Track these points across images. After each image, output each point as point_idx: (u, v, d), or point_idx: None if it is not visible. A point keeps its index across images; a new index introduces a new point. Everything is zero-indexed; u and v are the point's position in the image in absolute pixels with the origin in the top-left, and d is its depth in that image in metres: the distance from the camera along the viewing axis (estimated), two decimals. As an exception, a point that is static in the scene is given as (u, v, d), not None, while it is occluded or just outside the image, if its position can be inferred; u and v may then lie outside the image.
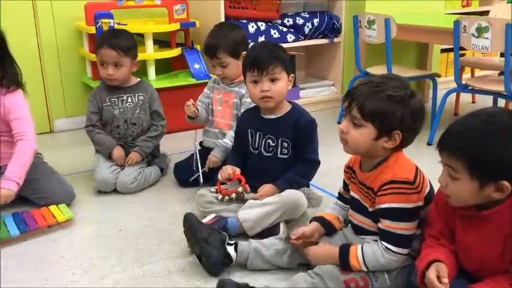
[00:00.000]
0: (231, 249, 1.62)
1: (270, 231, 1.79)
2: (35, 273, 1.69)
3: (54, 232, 1.94)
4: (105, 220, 2.04)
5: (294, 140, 1.88)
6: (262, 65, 1.83)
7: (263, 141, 1.92)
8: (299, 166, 1.90)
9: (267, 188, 1.87)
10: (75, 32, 3.06)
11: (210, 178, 2.18)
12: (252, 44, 2.22)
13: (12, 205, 2.07)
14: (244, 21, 3.16)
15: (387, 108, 1.40)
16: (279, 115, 1.92)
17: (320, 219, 1.65)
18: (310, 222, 1.67)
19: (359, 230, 1.58)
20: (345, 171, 1.64)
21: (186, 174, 2.30)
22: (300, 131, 1.87)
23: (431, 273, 1.27)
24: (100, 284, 1.62)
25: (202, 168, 2.23)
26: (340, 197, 1.70)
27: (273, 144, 1.91)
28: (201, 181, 2.20)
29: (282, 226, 1.79)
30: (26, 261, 1.75)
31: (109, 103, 2.30)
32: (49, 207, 2.02)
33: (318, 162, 1.93)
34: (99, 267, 1.72)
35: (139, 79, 2.39)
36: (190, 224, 1.67)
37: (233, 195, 1.88)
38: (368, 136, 1.43)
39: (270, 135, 1.91)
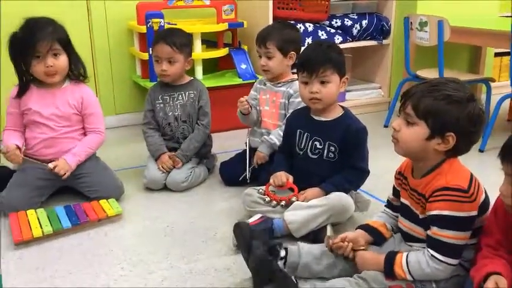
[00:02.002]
0: (280, 263, 1.57)
1: (317, 234, 1.78)
2: (86, 265, 1.74)
3: (103, 226, 1.99)
4: (152, 216, 2.08)
5: (342, 145, 1.85)
6: (312, 67, 1.82)
7: (310, 142, 1.91)
8: (347, 172, 1.86)
9: (312, 191, 1.86)
10: (126, 32, 3.13)
11: (257, 176, 2.20)
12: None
13: (64, 198, 2.16)
14: (292, 22, 3.14)
15: (442, 107, 1.36)
16: (330, 118, 1.90)
17: (366, 227, 1.62)
18: (356, 229, 1.63)
19: (408, 238, 1.54)
20: (395, 177, 1.60)
21: (231, 174, 2.33)
22: (350, 138, 1.84)
23: (491, 286, 1.22)
24: (147, 279, 1.66)
25: (250, 166, 2.25)
26: (389, 204, 1.66)
27: (320, 147, 1.89)
28: (248, 180, 2.23)
29: (329, 229, 1.77)
30: (78, 253, 1.81)
31: (161, 101, 2.35)
32: (99, 201, 2.07)
33: (367, 172, 1.90)
34: (146, 263, 1.75)
35: (191, 78, 2.43)
36: (243, 231, 1.64)
37: (283, 203, 1.87)
38: (420, 135, 1.40)
39: (317, 137, 1.89)
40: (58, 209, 2.00)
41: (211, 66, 3.27)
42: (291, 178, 1.91)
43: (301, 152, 1.93)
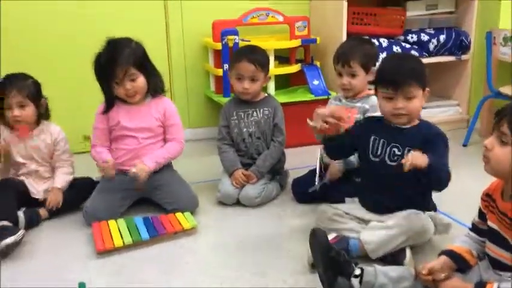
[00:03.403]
0: (355, 282, 1.55)
1: (395, 256, 1.72)
2: (164, 276, 1.78)
3: (179, 238, 2.04)
4: (226, 230, 2.11)
5: (424, 150, 1.70)
6: (397, 83, 1.75)
7: (387, 149, 1.83)
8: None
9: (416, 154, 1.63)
10: (201, 48, 3.22)
11: (330, 193, 2.17)
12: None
13: (142, 209, 2.24)
14: (366, 37, 3.10)
15: None
16: (408, 126, 1.83)
17: (450, 253, 1.54)
18: (439, 255, 1.55)
19: (497, 265, 1.45)
20: (482, 199, 1.52)
21: (304, 190, 2.31)
22: (431, 141, 1.75)
23: None
24: (222, 293, 1.67)
25: (322, 181, 2.23)
26: (474, 228, 1.58)
27: (399, 153, 1.80)
28: (317, 190, 2.21)
29: (408, 252, 1.71)
30: (156, 264, 1.86)
31: (236, 117, 2.38)
32: (175, 214, 2.13)
33: (450, 174, 1.73)
34: (221, 277, 1.77)
35: (266, 94, 2.45)
36: (320, 240, 1.62)
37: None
38: None
39: (395, 143, 1.82)
40: (137, 220, 2.07)
41: (283, 82, 3.28)
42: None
43: (377, 159, 1.85)
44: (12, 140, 2.20)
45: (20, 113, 2.15)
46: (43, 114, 2.25)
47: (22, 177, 2.23)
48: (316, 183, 2.24)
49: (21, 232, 1.90)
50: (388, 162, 1.84)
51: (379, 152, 1.86)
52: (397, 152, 1.82)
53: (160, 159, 2.21)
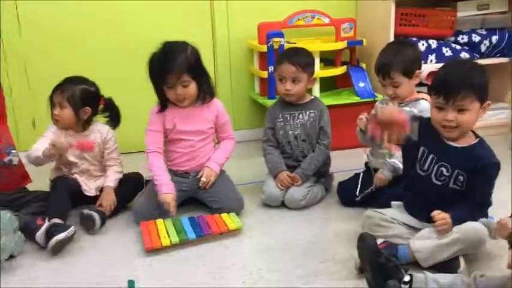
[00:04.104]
0: None
1: (446, 264, 1.67)
2: (211, 276, 1.80)
3: (224, 239, 2.05)
4: (270, 232, 2.10)
5: (470, 176, 1.70)
6: (450, 93, 1.65)
7: (435, 166, 1.76)
8: (471, 206, 1.71)
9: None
10: (246, 50, 3.23)
11: (374, 198, 2.14)
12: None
13: (187, 209, 2.27)
14: (415, 38, 3.05)
15: None
16: (462, 145, 1.75)
17: None
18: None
19: None
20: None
21: (349, 194, 2.29)
22: (481, 172, 1.69)
23: None
24: (268, 296, 1.67)
25: (367, 188, 2.20)
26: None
27: (447, 174, 1.74)
28: (360, 200, 2.20)
29: (461, 261, 1.65)
30: (202, 264, 1.88)
31: (282, 119, 2.38)
32: (221, 214, 2.14)
33: (488, 206, 1.76)
34: (267, 279, 1.77)
35: (312, 97, 2.44)
36: (369, 245, 1.60)
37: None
38: None
39: (445, 163, 1.74)
40: (183, 220, 2.10)
41: (329, 85, 3.25)
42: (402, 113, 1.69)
43: (424, 174, 1.79)
44: (67, 140, 2.28)
45: (59, 112, 2.23)
46: (85, 121, 2.29)
47: (75, 175, 2.30)
48: (358, 193, 2.22)
49: (72, 229, 1.96)
50: (434, 180, 1.77)
51: (425, 167, 1.79)
52: (444, 172, 1.75)
53: (222, 160, 2.30)
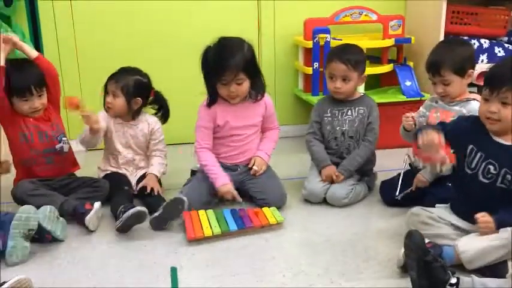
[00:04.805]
0: None
1: (493, 268, 1.62)
2: (250, 268, 1.81)
3: (265, 232, 2.06)
4: (312, 228, 2.10)
5: None
6: (494, 84, 1.66)
7: (483, 164, 1.73)
8: None
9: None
10: (291, 46, 3.23)
11: (415, 199, 2.09)
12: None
13: (229, 202, 2.28)
14: (466, 37, 2.96)
15: None
16: (510, 143, 1.71)
17: None
18: None
19: None
20: None
21: (391, 193, 2.25)
22: None
23: None
24: (308, 291, 1.67)
25: (405, 190, 2.18)
26: None
27: (494, 172, 1.70)
28: (399, 198, 2.17)
29: (510, 265, 1.60)
30: (243, 256, 1.89)
31: (330, 114, 2.36)
32: (262, 208, 2.15)
33: None
34: (307, 274, 1.76)
35: (362, 93, 2.42)
36: (416, 242, 1.56)
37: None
38: None
39: (493, 160, 1.71)
40: (225, 212, 2.12)
41: (373, 83, 3.21)
42: (442, 137, 1.66)
43: (471, 173, 1.75)
44: (114, 128, 2.34)
45: (111, 100, 2.29)
46: (135, 111, 2.35)
47: (123, 169, 2.37)
48: (397, 192, 2.19)
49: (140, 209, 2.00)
50: (481, 178, 1.73)
51: (473, 165, 1.75)
52: (492, 170, 1.71)
53: (271, 150, 2.34)
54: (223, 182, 2.16)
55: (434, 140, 1.64)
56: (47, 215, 1.91)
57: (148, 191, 2.23)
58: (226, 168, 2.27)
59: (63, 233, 1.99)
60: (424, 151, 1.66)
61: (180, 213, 2.05)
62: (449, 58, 2.06)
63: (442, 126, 1.76)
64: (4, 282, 1.53)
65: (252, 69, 2.19)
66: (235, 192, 2.16)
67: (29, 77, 2.16)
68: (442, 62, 2.06)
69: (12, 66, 2.14)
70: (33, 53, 2.21)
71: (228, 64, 2.10)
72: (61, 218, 2.00)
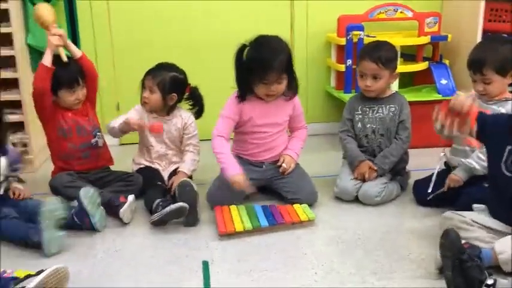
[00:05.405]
0: None
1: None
2: (282, 264, 1.81)
3: (296, 229, 2.06)
4: (343, 226, 2.09)
5: None
6: None
7: None
8: None
9: None
10: (324, 44, 3.21)
11: (448, 199, 2.06)
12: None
13: (260, 197, 2.30)
14: (504, 35, 2.88)
15: None
16: None
17: None
18: None
19: None
20: None
21: (424, 193, 2.22)
22: None
23: None
24: (340, 289, 1.66)
25: (437, 190, 2.14)
26: None
27: None
28: (430, 198, 2.14)
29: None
30: (274, 252, 1.90)
31: (360, 112, 2.35)
32: (293, 205, 2.15)
33: None
34: (338, 272, 1.76)
35: (394, 91, 2.39)
36: (453, 240, 1.55)
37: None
38: None
39: None
40: (257, 208, 2.13)
41: (407, 81, 3.16)
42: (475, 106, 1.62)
43: (509, 174, 1.71)
44: (149, 122, 2.38)
45: (148, 96, 2.32)
46: (170, 107, 2.38)
47: (156, 164, 2.41)
48: (430, 190, 2.16)
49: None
50: None
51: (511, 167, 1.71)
52: None
53: (299, 149, 2.34)
54: (235, 172, 2.11)
55: (466, 103, 1.59)
56: (88, 196, 1.99)
57: (172, 191, 2.24)
58: (250, 164, 2.27)
59: (101, 222, 2.04)
60: (453, 114, 1.61)
61: (180, 217, 2.06)
62: (492, 57, 2.01)
63: (482, 117, 1.71)
64: (42, 270, 1.57)
65: (290, 69, 2.19)
66: (247, 183, 2.10)
67: (75, 70, 2.29)
68: (485, 60, 2.02)
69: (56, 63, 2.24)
70: (78, 52, 2.32)
71: (272, 65, 2.09)
72: (101, 207, 2.05)
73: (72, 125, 2.30)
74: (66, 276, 1.63)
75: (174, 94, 2.34)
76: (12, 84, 2.65)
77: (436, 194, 2.16)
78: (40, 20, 2.26)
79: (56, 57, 2.25)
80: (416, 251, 1.86)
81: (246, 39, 2.19)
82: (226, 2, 3.05)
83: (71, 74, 2.26)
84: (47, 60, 2.21)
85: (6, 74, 2.62)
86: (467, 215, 1.83)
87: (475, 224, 1.79)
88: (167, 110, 2.39)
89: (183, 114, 2.42)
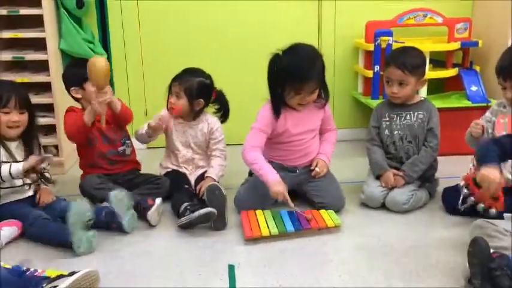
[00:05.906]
0: None
1: None
2: (308, 270, 1.81)
3: (322, 235, 2.05)
4: (370, 233, 2.07)
5: None
6: None
7: None
8: None
9: None
10: (352, 49, 3.20)
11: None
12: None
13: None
14: (537, 41, 2.83)
15: None
16: None
17: None
18: None
19: None
20: None
21: (454, 202, 2.18)
22: None
23: None
24: (367, 295, 1.65)
25: (470, 198, 2.09)
26: None
27: None
28: (462, 209, 2.10)
29: None
30: (299, 257, 1.90)
31: (388, 119, 2.33)
32: (320, 211, 2.15)
33: None
34: (364, 277, 1.74)
35: (422, 98, 2.36)
36: (481, 249, 1.52)
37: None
38: None
39: None
40: (283, 213, 2.13)
41: (436, 87, 3.12)
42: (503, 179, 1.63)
43: None
44: (175, 127, 2.41)
45: (174, 101, 2.35)
46: (197, 112, 2.40)
47: (183, 168, 2.43)
48: (460, 202, 2.11)
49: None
50: None
51: None
52: None
53: (331, 153, 2.35)
54: (275, 179, 2.08)
55: (495, 180, 1.62)
56: (119, 198, 2.03)
57: (200, 195, 2.26)
58: (283, 169, 2.26)
59: (130, 224, 2.06)
60: (480, 187, 1.66)
61: (208, 222, 2.06)
62: None
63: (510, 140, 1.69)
64: (75, 272, 1.61)
65: (323, 77, 2.19)
66: (287, 196, 2.09)
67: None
68: None
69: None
70: (118, 106, 2.31)
71: (309, 77, 2.09)
72: (132, 210, 2.08)
73: (97, 134, 2.32)
74: (98, 280, 1.66)
75: (200, 100, 2.36)
76: (44, 87, 2.72)
77: (468, 205, 2.11)
78: (94, 81, 2.15)
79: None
80: (445, 259, 1.83)
81: (275, 43, 2.17)
82: (255, 4, 3.05)
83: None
84: (88, 119, 2.20)
85: (39, 78, 2.70)
86: (500, 223, 1.80)
87: (507, 233, 1.76)
88: (193, 115, 2.41)
89: (209, 119, 2.44)
